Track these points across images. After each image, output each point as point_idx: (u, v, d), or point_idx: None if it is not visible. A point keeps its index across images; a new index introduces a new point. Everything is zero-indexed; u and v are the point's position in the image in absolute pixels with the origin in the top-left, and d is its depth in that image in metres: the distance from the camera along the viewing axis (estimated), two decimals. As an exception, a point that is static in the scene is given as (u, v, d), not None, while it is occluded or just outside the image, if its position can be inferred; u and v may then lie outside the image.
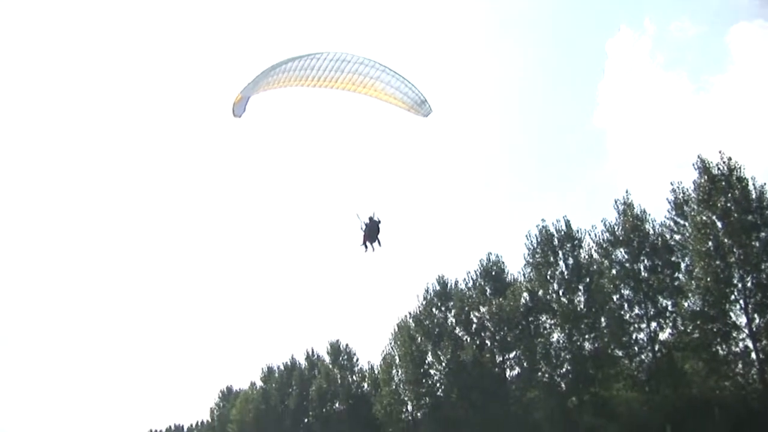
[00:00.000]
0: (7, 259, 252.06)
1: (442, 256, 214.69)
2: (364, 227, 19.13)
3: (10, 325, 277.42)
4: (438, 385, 67.76)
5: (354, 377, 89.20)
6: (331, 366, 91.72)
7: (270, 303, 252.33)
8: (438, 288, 69.66)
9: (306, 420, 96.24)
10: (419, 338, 68.93)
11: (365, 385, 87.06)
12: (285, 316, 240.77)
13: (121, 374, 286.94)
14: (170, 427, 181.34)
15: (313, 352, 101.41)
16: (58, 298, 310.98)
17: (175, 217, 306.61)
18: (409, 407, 72.19)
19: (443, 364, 65.87)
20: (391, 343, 75.25)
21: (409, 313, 71.81)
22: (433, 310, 69.22)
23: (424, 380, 68.11)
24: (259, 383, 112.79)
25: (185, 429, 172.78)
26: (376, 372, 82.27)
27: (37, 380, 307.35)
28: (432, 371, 68.37)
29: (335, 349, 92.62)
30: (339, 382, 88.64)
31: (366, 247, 19.31)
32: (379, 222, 18.73)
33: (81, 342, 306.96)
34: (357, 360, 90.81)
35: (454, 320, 67.29)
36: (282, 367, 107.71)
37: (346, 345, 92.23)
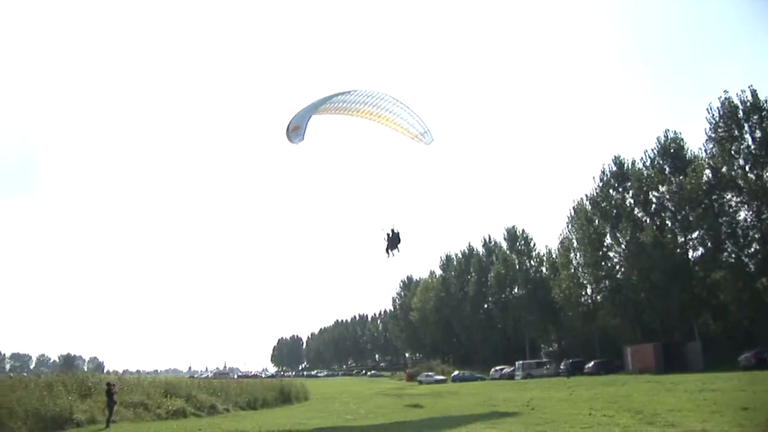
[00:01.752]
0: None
1: (617, 136, 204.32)
2: (386, 237, 21.38)
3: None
4: (617, 267, 66.82)
5: (531, 262, 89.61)
6: (508, 252, 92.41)
7: (447, 192, 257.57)
8: (614, 169, 67.22)
9: (485, 305, 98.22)
10: (597, 221, 67.70)
11: (543, 269, 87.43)
12: (461, 203, 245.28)
13: (310, 272, 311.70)
14: (355, 317, 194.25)
15: (490, 238, 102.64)
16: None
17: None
18: (588, 290, 72.12)
19: (622, 246, 64.56)
20: (568, 227, 74.69)
21: (586, 196, 70.50)
22: (610, 191, 67.31)
23: (603, 263, 67.40)
24: (438, 272, 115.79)
25: (369, 318, 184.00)
26: (553, 256, 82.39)
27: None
28: (611, 253, 67.42)
29: (512, 235, 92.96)
30: (517, 267, 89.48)
31: (388, 253, 21.49)
32: (399, 234, 20.77)
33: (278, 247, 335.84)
34: (534, 245, 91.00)
35: (632, 201, 65.18)
36: (460, 255, 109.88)
37: (523, 230, 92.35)
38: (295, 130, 20.96)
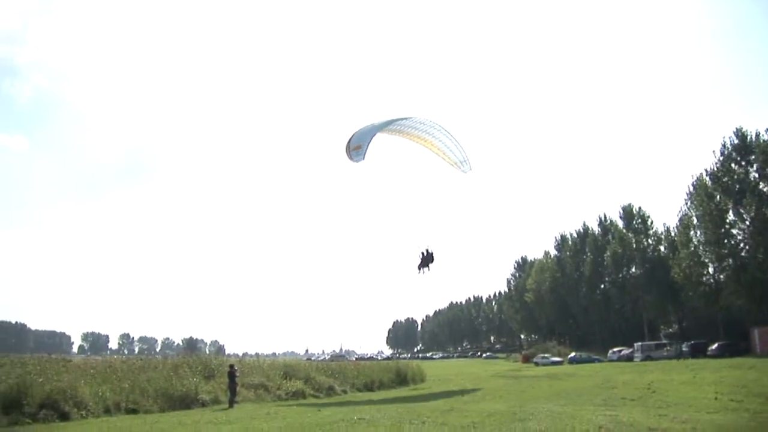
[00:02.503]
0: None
1: (736, 108, 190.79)
2: (421, 256, 22.18)
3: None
4: (741, 245, 63.54)
5: (649, 241, 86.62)
6: (624, 230, 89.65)
7: (561, 170, 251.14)
8: (737, 142, 63.56)
9: (602, 286, 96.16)
10: (718, 196, 64.42)
11: (661, 248, 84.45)
12: (576, 182, 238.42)
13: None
14: (469, 298, 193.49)
15: (605, 217, 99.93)
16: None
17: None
18: (710, 269, 68.92)
19: (746, 222, 61.38)
20: (687, 203, 71.30)
21: (706, 171, 67.09)
22: (732, 165, 63.82)
23: (725, 240, 64.21)
24: (552, 252, 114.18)
25: (483, 300, 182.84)
26: (672, 234, 79.36)
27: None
28: (734, 231, 64.13)
29: (628, 213, 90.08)
30: (634, 246, 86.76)
31: (420, 270, 22.47)
32: (432, 254, 21.51)
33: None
34: (651, 223, 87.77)
35: (756, 175, 61.70)
36: (575, 235, 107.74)
37: (639, 208, 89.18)
38: (357, 149, 21.89)
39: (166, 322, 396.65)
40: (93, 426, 20.21)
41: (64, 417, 21.47)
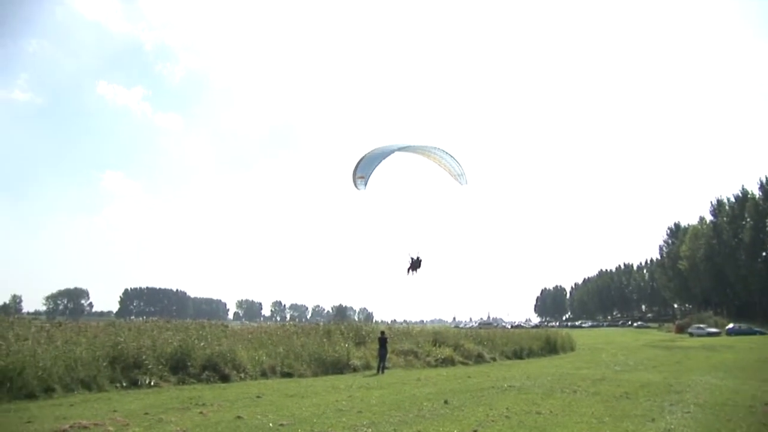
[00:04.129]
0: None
1: None
2: (410, 261, 22.63)
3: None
4: None
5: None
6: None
7: (715, 130, 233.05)
8: None
9: (763, 254, 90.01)
10: None
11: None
12: (734, 142, 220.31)
13: (574, 220, 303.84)
14: (619, 266, 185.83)
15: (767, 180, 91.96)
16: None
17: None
18: None
19: None
20: None
21: None
22: None
23: None
24: (708, 217, 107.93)
25: (635, 267, 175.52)
26: None
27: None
28: None
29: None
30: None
31: (408, 272, 22.58)
32: (420, 260, 22.39)
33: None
34: (819, 185, 79.22)
35: None
36: (732, 199, 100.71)
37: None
38: (360, 179, 23.03)
39: (316, 290, 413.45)
40: (252, 387, 20.99)
41: (225, 379, 22.60)
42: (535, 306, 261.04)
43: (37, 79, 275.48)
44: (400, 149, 23.83)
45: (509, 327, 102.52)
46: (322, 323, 47.29)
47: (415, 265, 24.14)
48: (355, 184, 23.95)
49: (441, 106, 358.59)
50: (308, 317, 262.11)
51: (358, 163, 23.75)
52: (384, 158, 23.61)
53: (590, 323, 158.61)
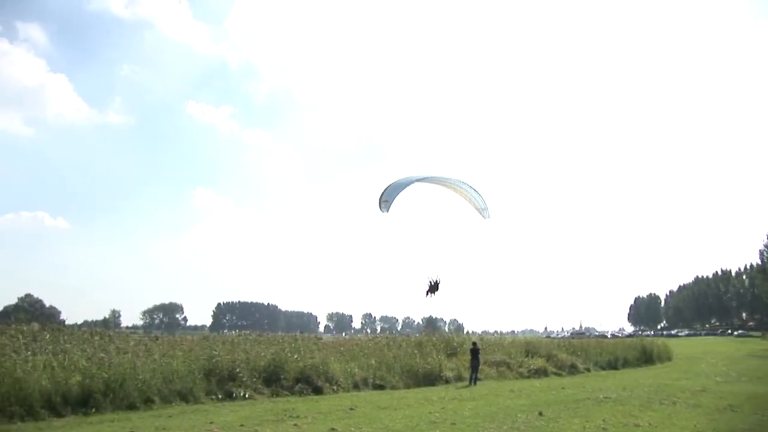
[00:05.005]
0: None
1: None
2: (429, 284, 23.01)
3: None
4: None
5: None
6: None
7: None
8: None
9: None
10: None
11: None
12: None
13: (664, 226, 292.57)
14: (716, 272, 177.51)
15: None
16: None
17: None
18: None
19: None
20: None
21: None
22: None
23: None
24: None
25: (733, 273, 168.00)
26: None
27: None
28: None
29: None
30: None
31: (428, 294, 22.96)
32: (438, 283, 22.99)
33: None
34: None
35: None
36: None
37: None
38: (384, 203, 24.58)
39: (405, 302, 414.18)
40: (344, 399, 20.97)
41: (317, 391, 22.88)
42: (629, 314, 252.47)
43: (130, 101, 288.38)
44: (424, 179, 25.68)
45: (609, 336, 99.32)
46: (412, 335, 47.19)
47: (433, 288, 24.97)
48: (380, 207, 25.62)
49: (533, 114, 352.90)
50: (398, 329, 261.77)
51: (385, 189, 25.26)
52: (407, 186, 25.45)
53: (687, 332, 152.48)
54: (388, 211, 25.19)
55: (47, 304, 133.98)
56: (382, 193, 25.58)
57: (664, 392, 22.25)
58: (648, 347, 46.06)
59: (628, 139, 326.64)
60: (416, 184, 25.25)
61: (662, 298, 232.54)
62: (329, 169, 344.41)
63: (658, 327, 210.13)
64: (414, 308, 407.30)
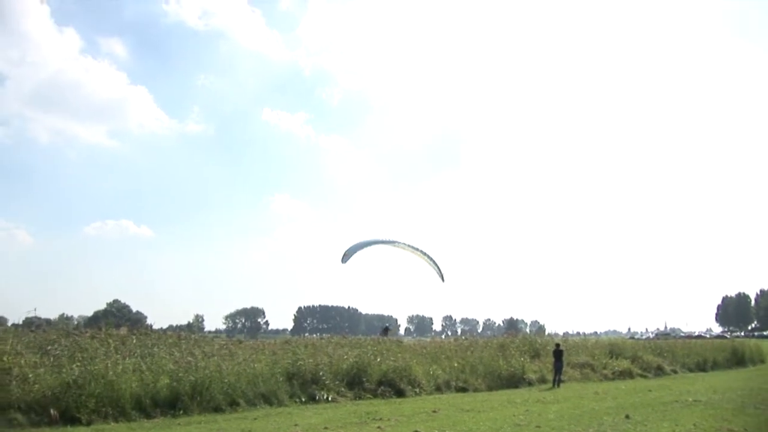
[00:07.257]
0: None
1: None
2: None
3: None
4: None
5: None
6: None
7: None
8: None
9: None
10: None
11: None
12: None
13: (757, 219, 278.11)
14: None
15: None
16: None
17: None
18: None
19: None
20: None
21: None
22: None
23: None
24: None
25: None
26: None
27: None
28: None
29: None
30: None
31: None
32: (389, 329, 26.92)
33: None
34: None
35: None
36: None
37: None
38: (344, 256, 30.26)
39: (486, 303, 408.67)
40: (427, 401, 20.83)
41: (400, 393, 22.97)
42: (716, 314, 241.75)
43: (208, 110, 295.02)
44: (386, 242, 30.80)
45: (706, 335, 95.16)
46: (493, 337, 46.68)
47: (384, 333, 29.72)
48: (342, 259, 31.60)
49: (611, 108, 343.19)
50: (479, 331, 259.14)
51: (351, 247, 31.44)
52: (367, 246, 31.50)
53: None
54: (345, 263, 31.44)
55: (134, 309, 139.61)
56: (346, 250, 31.74)
57: (758, 396, 21.46)
58: (739, 348, 44.72)
59: (722, 135, 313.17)
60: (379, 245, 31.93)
61: (752, 297, 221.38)
62: (405, 171, 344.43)
63: (749, 328, 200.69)
64: (494, 309, 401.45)
